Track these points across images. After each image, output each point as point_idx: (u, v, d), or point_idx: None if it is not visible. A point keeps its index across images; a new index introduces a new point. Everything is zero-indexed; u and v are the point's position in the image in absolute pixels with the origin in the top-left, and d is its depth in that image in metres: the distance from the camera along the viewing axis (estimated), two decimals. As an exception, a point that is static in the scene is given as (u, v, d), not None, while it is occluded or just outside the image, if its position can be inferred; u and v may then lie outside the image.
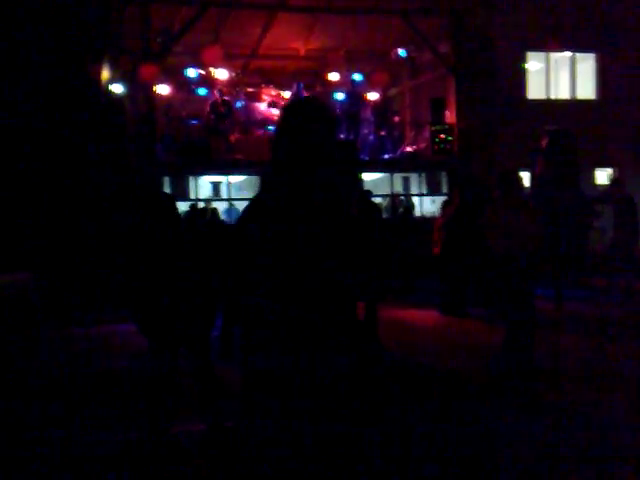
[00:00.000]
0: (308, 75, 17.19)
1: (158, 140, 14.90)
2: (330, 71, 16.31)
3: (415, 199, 16.24)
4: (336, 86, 16.40)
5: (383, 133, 16.33)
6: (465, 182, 15.30)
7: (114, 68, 14.81)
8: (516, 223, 6.64)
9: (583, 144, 14.63)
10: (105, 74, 14.74)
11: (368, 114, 16.55)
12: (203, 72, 15.71)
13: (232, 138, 15.27)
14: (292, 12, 15.69)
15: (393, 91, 18.05)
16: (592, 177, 17.00)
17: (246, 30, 16.19)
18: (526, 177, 16.02)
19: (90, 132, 14.22)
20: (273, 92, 16.18)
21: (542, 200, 13.61)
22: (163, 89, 15.47)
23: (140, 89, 14.89)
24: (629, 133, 16.75)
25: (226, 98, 15.48)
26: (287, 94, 16.20)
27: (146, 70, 14.55)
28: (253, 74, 17.50)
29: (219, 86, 15.58)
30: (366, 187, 15.12)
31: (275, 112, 15.71)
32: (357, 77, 16.50)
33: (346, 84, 16.50)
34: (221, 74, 15.61)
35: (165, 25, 15.34)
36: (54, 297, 11.02)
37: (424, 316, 11.11)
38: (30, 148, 13.57)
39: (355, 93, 16.42)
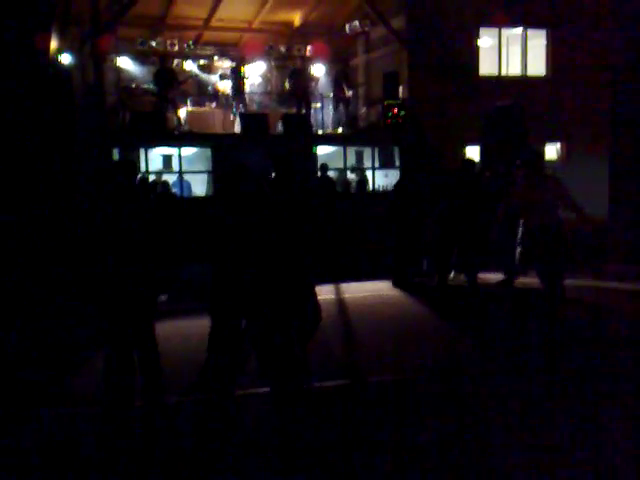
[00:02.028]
0: (261, 48, 17.05)
1: (107, 112, 14.66)
2: (283, 44, 16.20)
3: (368, 173, 16.30)
4: (288, 59, 16.34)
5: (337, 107, 16.34)
6: (419, 154, 15.50)
7: (62, 38, 14.49)
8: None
9: (533, 120, 14.82)
10: (53, 44, 14.41)
11: (321, 88, 16.54)
12: (153, 43, 15.46)
13: (183, 110, 15.11)
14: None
15: (347, 65, 18.03)
16: (542, 152, 17.24)
17: (198, 1, 15.99)
18: (476, 151, 16.28)
19: (38, 103, 13.91)
20: (226, 64, 16.02)
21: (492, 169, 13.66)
22: (113, 60, 15.24)
23: (89, 60, 14.61)
24: (578, 109, 17.00)
25: (169, 68, 15.23)
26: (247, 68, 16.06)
27: (97, 42, 14.28)
28: (205, 46, 17.33)
29: (170, 57, 15.38)
30: (320, 161, 15.19)
31: (227, 84, 15.60)
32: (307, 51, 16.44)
33: (297, 58, 16.46)
34: (172, 45, 15.40)
35: (115, -6, 15.07)
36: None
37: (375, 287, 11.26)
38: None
39: (305, 67, 16.38)
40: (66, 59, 14.28)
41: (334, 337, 7.62)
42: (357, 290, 11.03)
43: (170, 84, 14.93)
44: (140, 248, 5.07)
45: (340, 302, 10.00)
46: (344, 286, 11.36)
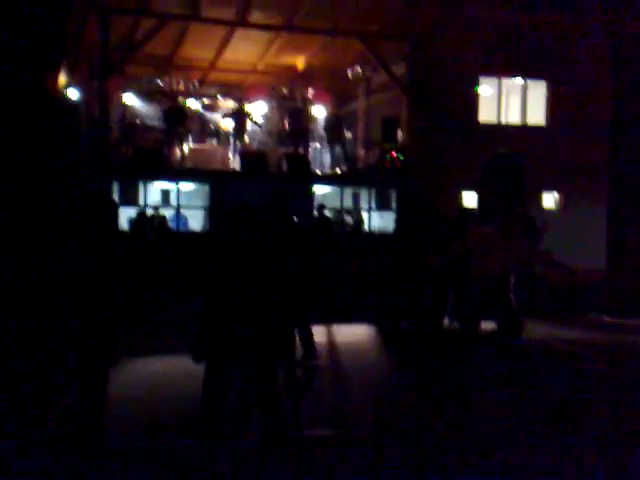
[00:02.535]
0: (264, 89, 17.50)
1: (111, 147, 15.09)
2: (285, 86, 16.63)
3: (364, 214, 16.53)
4: (290, 100, 16.74)
5: (335, 148, 16.68)
6: (414, 200, 15.70)
7: (71, 75, 15.00)
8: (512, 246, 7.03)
9: (531, 168, 15.00)
10: (62, 80, 14.91)
11: (320, 129, 16.90)
12: (160, 82, 15.95)
13: (185, 147, 15.52)
14: (252, 29, 16.03)
15: (347, 108, 18.42)
16: (539, 200, 17.40)
17: (205, 43, 16.48)
18: (473, 197, 16.47)
19: (44, 137, 14.35)
20: (230, 104, 16.45)
21: (490, 219, 13.82)
22: (119, 98, 15.72)
23: (96, 97, 15.09)
24: (575, 158, 17.19)
25: (180, 107, 15.74)
26: (249, 107, 16.47)
27: (104, 81, 14.77)
28: (210, 86, 17.81)
29: (174, 96, 15.84)
30: (317, 200, 15.47)
31: (229, 123, 16.01)
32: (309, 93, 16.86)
33: (298, 99, 16.87)
34: (178, 85, 15.87)
35: (125, 35, 15.60)
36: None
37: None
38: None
39: (305, 108, 16.78)
40: (73, 94, 14.77)
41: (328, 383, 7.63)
42: (348, 334, 11.03)
43: (180, 122, 15.38)
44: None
45: (334, 346, 10.01)
46: (339, 328, 11.39)
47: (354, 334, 11.12)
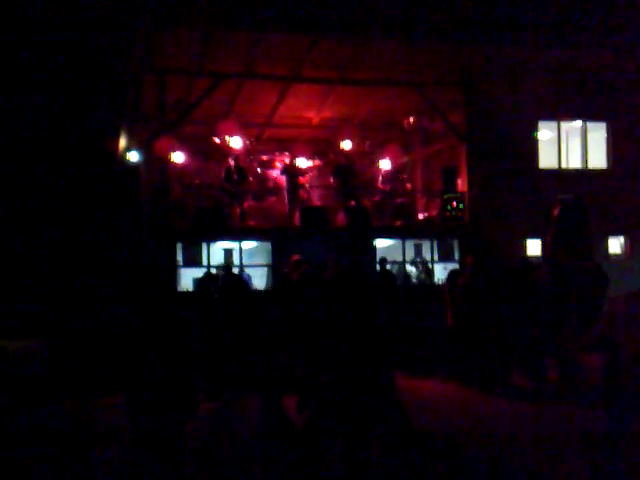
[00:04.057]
0: (321, 143, 17.43)
1: (172, 207, 15.08)
2: (343, 140, 16.52)
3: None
4: (348, 154, 16.62)
5: (395, 201, 16.47)
6: (480, 250, 15.32)
7: (130, 137, 15.10)
8: None
9: (595, 213, 14.61)
10: (122, 143, 15.03)
11: (380, 182, 16.73)
12: (218, 141, 15.95)
13: (245, 205, 15.44)
14: (306, 83, 16.02)
15: (405, 159, 18.24)
16: (605, 246, 16.93)
17: (260, 100, 16.51)
18: (538, 245, 16.06)
19: (106, 201, 14.43)
20: (287, 160, 16.39)
21: (554, 269, 13.48)
22: (178, 157, 15.75)
23: (155, 157, 15.14)
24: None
25: (240, 165, 15.71)
26: (301, 162, 16.42)
27: (162, 142, 14.85)
28: (267, 142, 17.79)
29: (233, 154, 15.81)
30: (378, 254, 15.19)
31: (286, 178, 15.94)
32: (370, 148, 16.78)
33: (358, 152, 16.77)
34: (236, 142, 15.86)
35: (181, 95, 15.69)
36: (64, 366, 10.87)
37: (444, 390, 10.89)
38: (47, 215, 13.79)
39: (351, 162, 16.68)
40: (133, 157, 14.83)
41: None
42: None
43: (240, 180, 15.36)
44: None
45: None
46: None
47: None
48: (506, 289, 11.23)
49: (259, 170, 16.44)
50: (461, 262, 15.81)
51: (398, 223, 16.36)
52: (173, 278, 14.39)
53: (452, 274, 12.43)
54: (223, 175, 15.47)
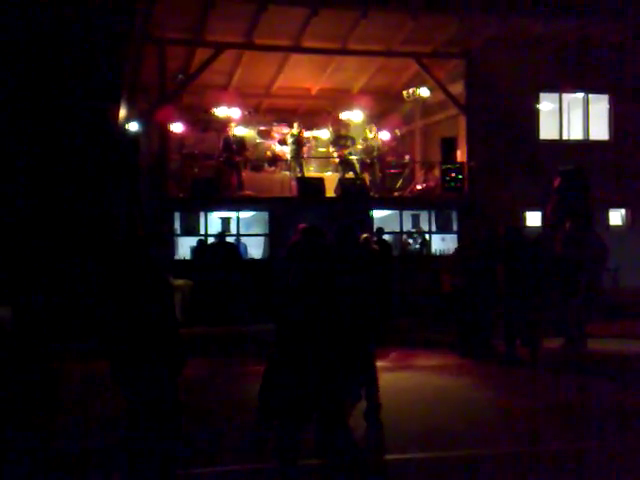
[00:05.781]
0: (320, 114, 17.43)
1: (170, 177, 15.19)
2: (342, 110, 16.51)
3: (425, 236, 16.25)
4: (342, 126, 16.64)
5: (393, 171, 16.47)
6: (481, 220, 15.29)
7: (130, 106, 15.17)
8: None
9: (596, 185, 14.52)
10: (122, 112, 15.10)
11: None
12: (216, 111, 16.00)
13: (243, 175, 15.51)
14: (306, 54, 15.99)
15: (404, 130, 18.20)
16: (606, 218, 16.85)
17: (260, 70, 16.52)
18: (538, 217, 16.01)
19: (106, 169, 14.54)
20: (285, 130, 16.40)
21: (555, 240, 13.45)
22: (177, 127, 15.82)
23: (154, 127, 15.22)
24: (642, 174, 16.64)
25: (238, 135, 15.76)
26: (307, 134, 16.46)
27: (162, 111, 14.92)
28: (265, 113, 17.81)
29: (232, 124, 15.85)
30: (376, 224, 15.22)
31: (285, 149, 15.97)
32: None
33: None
34: (234, 113, 15.90)
35: (181, 65, 15.74)
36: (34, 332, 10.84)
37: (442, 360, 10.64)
38: (41, 182, 13.89)
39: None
40: (133, 127, 14.91)
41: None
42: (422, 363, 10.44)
43: (239, 150, 15.41)
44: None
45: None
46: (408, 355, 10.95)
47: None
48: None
49: (258, 140, 16.47)
50: (459, 233, 15.84)
51: (396, 194, 16.37)
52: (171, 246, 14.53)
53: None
54: (221, 145, 15.52)
